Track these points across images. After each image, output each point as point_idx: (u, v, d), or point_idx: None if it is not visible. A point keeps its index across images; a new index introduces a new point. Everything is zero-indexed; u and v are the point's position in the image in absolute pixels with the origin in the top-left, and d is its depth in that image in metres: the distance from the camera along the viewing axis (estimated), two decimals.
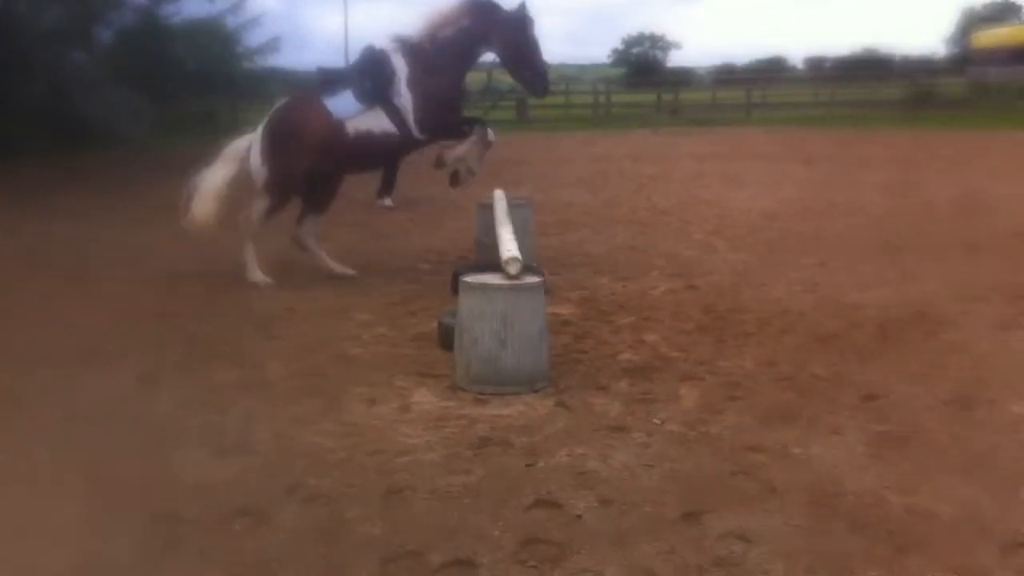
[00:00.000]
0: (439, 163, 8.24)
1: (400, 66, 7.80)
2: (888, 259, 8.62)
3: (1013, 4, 52.05)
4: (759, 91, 39.23)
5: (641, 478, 4.06)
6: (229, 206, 7.95)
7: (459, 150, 8.05)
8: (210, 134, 24.90)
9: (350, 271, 8.19)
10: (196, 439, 4.55)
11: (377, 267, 8.57)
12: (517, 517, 3.70)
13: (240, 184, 8.01)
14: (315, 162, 7.82)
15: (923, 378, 5.38)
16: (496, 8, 7.89)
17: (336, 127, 7.75)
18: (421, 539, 3.52)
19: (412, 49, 7.84)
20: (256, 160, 7.89)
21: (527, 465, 4.20)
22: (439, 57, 7.80)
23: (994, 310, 6.83)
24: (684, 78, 65.47)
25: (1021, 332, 6.32)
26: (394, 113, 7.77)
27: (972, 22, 53.86)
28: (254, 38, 26.90)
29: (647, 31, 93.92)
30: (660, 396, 5.11)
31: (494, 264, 5.54)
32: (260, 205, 7.93)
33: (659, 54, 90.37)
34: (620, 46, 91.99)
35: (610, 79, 59.62)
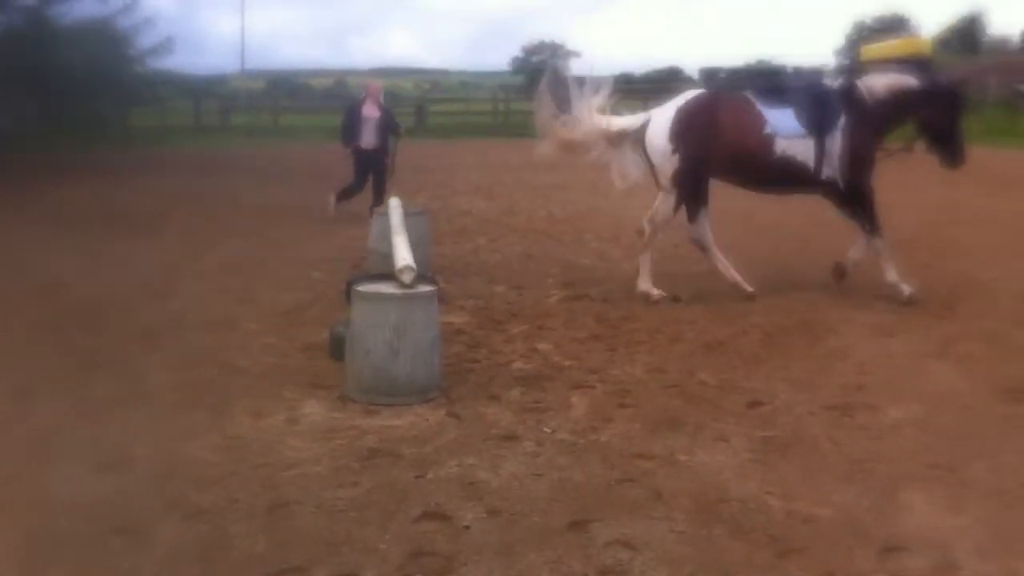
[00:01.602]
0: (838, 273, 7.91)
1: (842, 107, 7.61)
2: (775, 267, 8.82)
3: (902, 17, 53.60)
4: (656, 101, 39.65)
5: (530, 487, 4.07)
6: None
7: (856, 256, 7.87)
8: (100, 138, 24.35)
9: (748, 288, 7.74)
10: (74, 454, 4.40)
11: (268, 276, 8.42)
12: (404, 530, 3.67)
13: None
14: (729, 167, 7.70)
15: (806, 384, 5.52)
16: (936, 93, 7.68)
17: (766, 141, 7.56)
18: (305, 554, 3.47)
19: (855, 96, 7.65)
20: (662, 145, 7.80)
21: (416, 476, 4.17)
22: (870, 115, 7.58)
23: (876, 317, 7.05)
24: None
25: (901, 338, 6.53)
26: (821, 151, 7.56)
27: (862, 34, 55.35)
28: (146, 40, 26.07)
29: (548, 39, 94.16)
30: (551, 404, 5.14)
31: (388, 273, 5.50)
32: (666, 202, 7.94)
33: (559, 63, 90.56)
34: (520, 54, 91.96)
35: (510, 87, 59.69)
